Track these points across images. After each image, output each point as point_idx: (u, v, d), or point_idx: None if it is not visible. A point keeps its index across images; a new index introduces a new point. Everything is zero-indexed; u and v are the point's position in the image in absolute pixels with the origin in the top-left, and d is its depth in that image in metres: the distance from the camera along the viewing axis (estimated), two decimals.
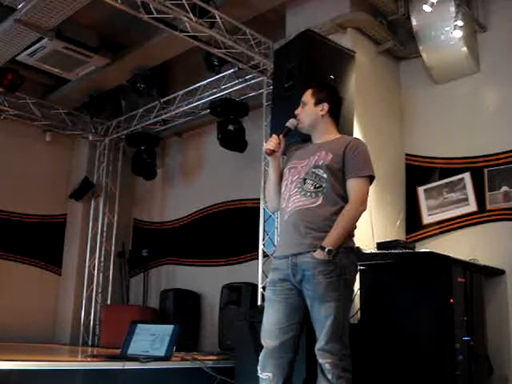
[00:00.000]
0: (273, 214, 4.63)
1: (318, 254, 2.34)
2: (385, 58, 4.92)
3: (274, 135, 2.55)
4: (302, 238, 2.39)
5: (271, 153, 2.53)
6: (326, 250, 2.32)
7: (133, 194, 7.48)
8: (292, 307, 2.42)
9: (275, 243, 4.53)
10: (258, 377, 2.45)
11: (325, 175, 2.45)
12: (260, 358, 2.44)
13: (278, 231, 2.62)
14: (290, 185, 2.52)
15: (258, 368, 2.44)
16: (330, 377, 2.32)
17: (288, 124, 2.58)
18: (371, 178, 2.53)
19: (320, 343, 2.35)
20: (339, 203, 2.43)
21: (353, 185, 2.46)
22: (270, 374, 2.38)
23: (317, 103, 2.61)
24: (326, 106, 2.61)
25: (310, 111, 2.62)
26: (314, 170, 2.47)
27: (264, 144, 4.98)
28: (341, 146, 2.53)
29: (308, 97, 2.64)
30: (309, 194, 2.44)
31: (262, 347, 2.47)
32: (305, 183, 2.47)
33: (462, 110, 4.55)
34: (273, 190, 2.62)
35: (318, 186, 2.44)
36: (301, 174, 2.50)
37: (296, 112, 2.63)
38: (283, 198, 2.53)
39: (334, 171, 2.45)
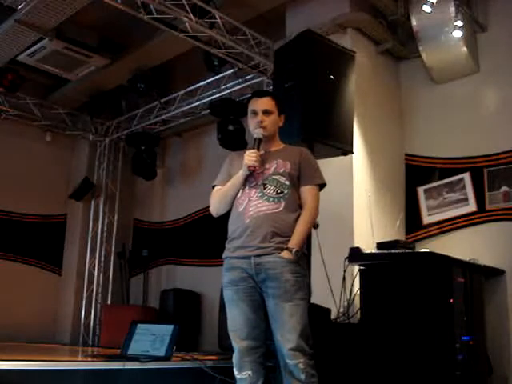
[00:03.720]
0: None
1: (286, 255, 2.43)
2: (385, 58, 4.93)
3: (252, 151, 2.54)
4: (267, 242, 2.45)
5: (254, 169, 2.53)
6: (294, 251, 2.43)
7: (133, 194, 7.49)
8: (257, 304, 2.47)
9: None
10: (235, 375, 2.47)
11: (287, 182, 2.55)
12: (234, 359, 2.46)
13: (229, 231, 2.56)
14: (247, 190, 2.55)
15: (235, 369, 2.46)
16: (303, 377, 2.34)
17: (259, 136, 2.59)
18: (321, 186, 2.67)
19: (291, 343, 2.35)
20: (298, 210, 2.56)
21: (309, 191, 2.59)
22: (249, 372, 2.41)
23: (279, 114, 2.70)
24: (282, 117, 2.73)
25: (274, 120, 2.67)
26: (274, 177, 2.54)
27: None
28: (295, 154, 2.66)
29: (273, 106, 2.67)
30: (272, 199, 2.50)
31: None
32: (265, 188, 2.52)
33: (462, 110, 4.56)
34: (233, 197, 2.61)
35: (279, 191, 2.52)
36: (258, 181, 2.55)
37: (260, 119, 2.62)
38: (239, 203, 2.55)
39: (293, 179, 2.57)
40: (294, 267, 2.43)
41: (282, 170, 2.56)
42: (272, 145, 2.69)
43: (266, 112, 2.64)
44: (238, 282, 2.48)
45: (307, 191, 2.59)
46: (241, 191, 2.58)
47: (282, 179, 2.54)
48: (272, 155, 2.63)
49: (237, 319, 2.49)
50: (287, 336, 2.37)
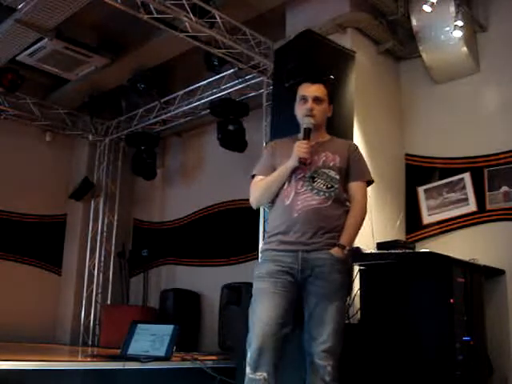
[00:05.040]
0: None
1: (337, 252, 2.36)
2: (385, 58, 4.92)
3: (303, 142, 2.41)
4: (317, 237, 2.37)
5: (305, 161, 2.41)
6: (346, 248, 2.38)
7: (133, 194, 7.48)
8: (291, 302, 2.34)
9: None
10: (247, 374, 2.26)
11: (337, 176, 2.45)
12: (252, 356, 2.25)
13: (274, 225, 2.45)
14: (294, 182, 2.43)
15: (249, 368, 2.25)
16: (328, 379, 2.28)
17: (308, 125, 2.46)
18: (369, 183, 2.61)
19: (325, 344, 2.29)
20: (345, 205, 2.47)
21: (360, 188, 2.52)
22: (265, 374, 2.22)
23: (329, 103, 2.58)
24: (331, 107, 2.61)
25: (324, 110, 2.55)
26: (324, 171, 2.45)
27: (264, 143, 4.98)
28: (343, 147, 2.56)
29: (324, 94, 2.54)
30: (322, 193, 2.41)
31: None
32: (314, 182, 2.42)
33: (462, 110, 4.55)
34: (278, 189, 2.47)
35: (329, 186, 2.42)
36: (306, 173, 2.43)
37: (310, 107, 2.49)
38: (285, 196, 2.43)
39: (342, 173, 2.48)
40: (342, 266, 2.37)
41: (331, 164, 2.46)
42: (319, 135, 2.56)
43: (317, 99, 2.50)
44: (277, 275, 2.34)
45: (357, 187, 2.51)
46: (286, 183, 2.45)
47: (332, 173, 2.44)
48: (320, 146, 2.50)
49: (270, 313, 2.28)
50: (324, 337, 2.30)
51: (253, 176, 2.59)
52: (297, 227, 2.37)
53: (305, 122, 2.47)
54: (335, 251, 2.37)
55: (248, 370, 2.25)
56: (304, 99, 2.52)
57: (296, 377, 2.61)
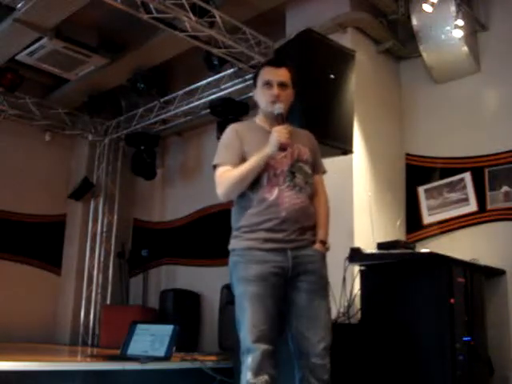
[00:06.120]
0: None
1: (321, 248, 2.35)
2: (385, 58, 4.92)
3: (283, 126, 2.26)
4: (302, 234, 2.33)
5: (286, 147, 2.25)
6: (328, 244, 2.36)
7: (133, 194, 7.47)
8: (279, 301, 2.27)
9: None
10: (248, 381, 2.15)
11: (310, 171, 2.41)
12: (254, 361, 2.14)
13: (254, 221, 2.33)
14: (273, 177, 2.31)
15: (250, 374, 2.14)
16: (326, 377, 2.22)
17: (280, 110, 2.32)
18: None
19: (324, 342, 2.23)
20: (312, 200, 2.43)
21: (321, 180, 2.51)
22: (266, 377, 2.13)
23: (293, 87, 2.43)
24: (294, 92, 2.46)
25: (290, 95, 2.42)
26: (300, 165, 2.37)
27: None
28: (308, 139, 2.50)
29: (288, 78, 2.40)
30: (303, 189, 2.35)
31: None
32: (294, 177, 2.33)
33: (463, 110, 4.55)
34: (253, 179, 2.30)
35: (306, 181, 2.37)
36: (284, 167, 2.32)
37: (276, 93, 2.34)
38: (267, 191, 2.30)
39: (312, 167, 2.43)
40: (325, 261, 2.37)
41: (305, 158, 2.38)
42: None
43: (282, 84, 2.36)
44: (269, 277, 2.23)
45: (319, 179, 2.48)
46: (265, 177, 2.30)
47: (306, 168, 2.38)
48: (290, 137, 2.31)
49: (264, 318, 2.19)
50: (321, 334, 2.23)
51: (215, 166, 2.38)
52: (285, 226, 2.29)
53: (276, 107, 2.32)
54: (318, 246, 2.35)
55: (249, 375, 2.15)
56: (268, 84, 2.36)
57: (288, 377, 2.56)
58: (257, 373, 2.14)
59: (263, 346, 2.16)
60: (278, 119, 2.31)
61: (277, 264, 2.26)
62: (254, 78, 2.48)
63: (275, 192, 2.30)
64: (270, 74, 2.39)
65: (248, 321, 2.20)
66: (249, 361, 2.16)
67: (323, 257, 2.37)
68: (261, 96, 2.41)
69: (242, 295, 2.26)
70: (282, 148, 2.24)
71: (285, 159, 2.33)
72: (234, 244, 2.44)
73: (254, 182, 2.31)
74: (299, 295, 2.29)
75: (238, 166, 2.31)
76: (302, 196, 2.34)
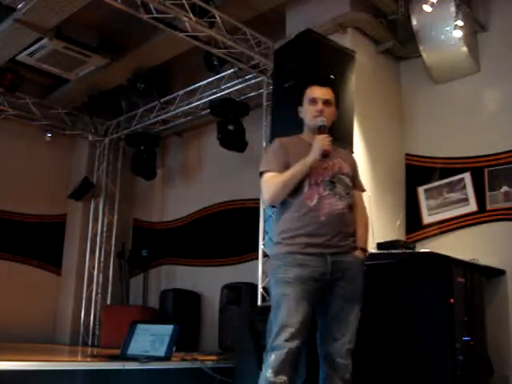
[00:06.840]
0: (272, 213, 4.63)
1: (361, 254, 2.47)
2: (385, 58, 4.92)
3: (325, 135, 2.42)
4: (343, 240, 2.43)
5: (328, 154, 2.41)
6: (368, 252, 2.51)
7: (133, 194, 7.48)
8: (315, 306, 2.40)
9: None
10: (268, 378, 2.25)
11: (350, 184, 2.54)
12: (277, 359, 2.25)
13: (294, 226, 2.41)
14: (314, 185, 2.43)
15: (271, 371, 2.24)
16: (347, 377, 2.35)
17: (323, 122, 2.48)
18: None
19: (350, 344, 2.36)
20: (351, 209, 2.55)
21: (361, 196, 2.66)
22: (285, 378, 2.24)
23: (336, 107, 2.61)
24: (337, 111, 2.65)
25: (334, 113, 2.59)
26: (341, 177, 2.51)
27: (264, 143, 4.98)
28: (348, 157, 2.68)
29: (332, 98, 2.58)
30: (343, 198, 2.47)
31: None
32: (335, 187, 2.46)
33: (462, 110, 4.55)
34: (295, 185, 2.43)
35: (347, 192, 2.50)
36: (325, 177, 2.46)
37: (320, 109, 2.51)
38: (307, 197, 2.42)
39: (352, 182, 2.57)
40: (363, 268, 2.47)
41: (345, 171, 2.53)
42: None
43: (327, 102, 2.54)
44: (307, 281, 2.33)
45: (359, 195, 2.64)
46: (306, 185, 2.43)
47: (347, 180, 2.52)
48: (333, 151, 2.48)
49: (300, 318, 2.28)
50: (349, 336, 2.37)
51: (262, 173, 2.52)
52: (324, 230, 2.39)
53: (318, 120, 2.48)
54: (359, 253, 2.46)
55: (269, 373, 2.24)
56: (314, 101, 2.54)
57: None
58: (277, 372, 2.24)
59: (290, 345, 2.25)
60: (321, 131, 2.46)
61: (317, 269, 2.36)
62: (301, 97, 2.63)
63: (315, 198, 2.43)
64: (315, 92, 2.56)
65: (281, 321, 2.30)
66: (272, 358, 2.26)
67: (362, 263, 2.47)
68: (306, 112, 2.58)
69: (279, 296, 2.36)
70: (324, 155, 2.39)
71: (326, 170, 2.47)
72: (275, 249, 2.52)
73: (296, 189, 2.44)
74: (335, 300, 2.40)
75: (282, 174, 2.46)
76: (342, 204, 2.46)
